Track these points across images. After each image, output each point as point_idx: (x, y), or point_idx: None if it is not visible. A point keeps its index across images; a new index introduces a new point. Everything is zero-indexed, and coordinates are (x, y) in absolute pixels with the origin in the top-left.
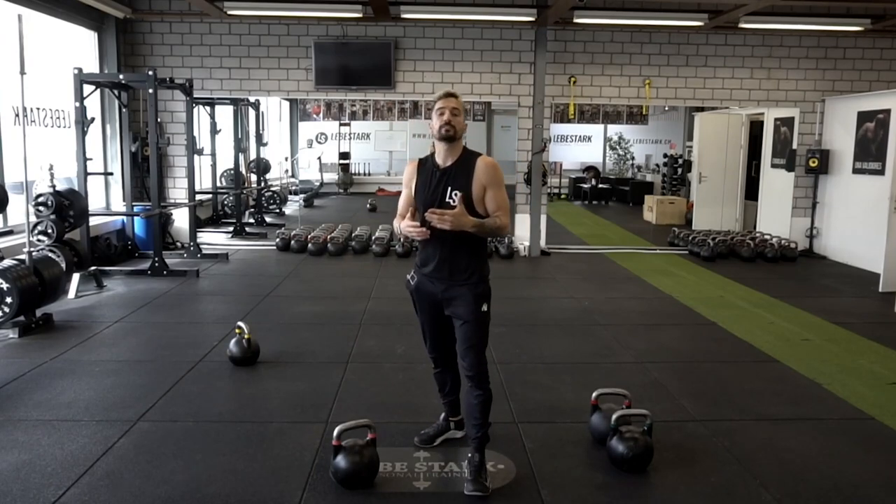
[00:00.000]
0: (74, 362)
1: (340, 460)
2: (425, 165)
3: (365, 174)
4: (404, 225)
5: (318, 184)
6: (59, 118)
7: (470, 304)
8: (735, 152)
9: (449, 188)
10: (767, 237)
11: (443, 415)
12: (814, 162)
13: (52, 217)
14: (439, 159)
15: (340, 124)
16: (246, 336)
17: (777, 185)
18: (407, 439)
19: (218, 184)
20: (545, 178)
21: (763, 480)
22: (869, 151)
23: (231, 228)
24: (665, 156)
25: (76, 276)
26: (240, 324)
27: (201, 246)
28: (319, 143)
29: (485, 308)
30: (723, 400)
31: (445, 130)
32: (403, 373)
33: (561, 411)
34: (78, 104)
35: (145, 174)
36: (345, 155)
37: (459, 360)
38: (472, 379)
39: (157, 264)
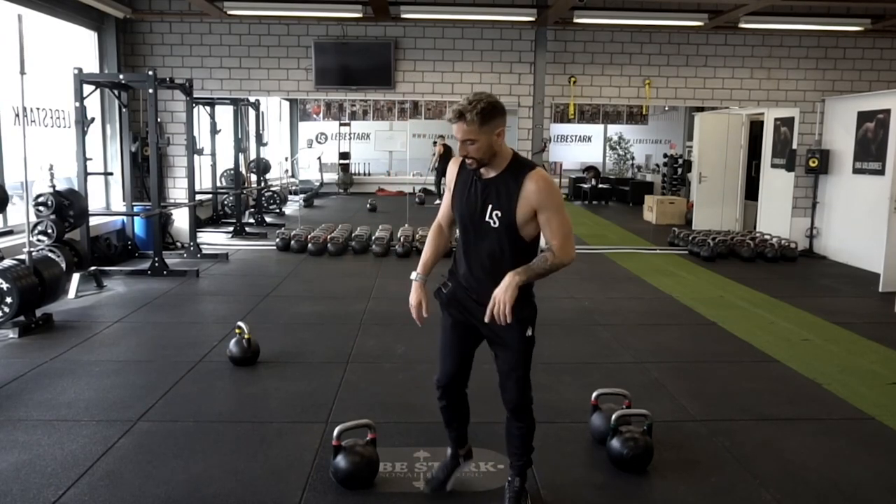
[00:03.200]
0: (74, 362)
1: (340, 460)
2: (466, 167)
3: (365, 174)
4: (413, 303)
5: (318, 184)
6: (59, 118)
7: (514, 329)
8: (735, 152)
9: (490, 206)
10: (767, 237)
11: (449, 450)
12: (814, 162)
13: (52, 217)
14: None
15: (340, 124)
16: (246, 336)
17: (777, 185)
18: (407, 439)
19: (218, 184)
20: None
21: (763, 480)
22: (869, 151)
23: (231, 228)
24: (665, 156)
25: (76, 276)
26: (240, 324)
27: (201, 246)
28: (319, 143)
29: (530, 333)
30: (723, 400)
31: (469, 164)
32: (403, 373)
33: (561, 411)
34: (78, 104)
35: (145, 174)
36: (345, 155)
37: (502, 393)
38: (514, 412)
39: (157, 264)
